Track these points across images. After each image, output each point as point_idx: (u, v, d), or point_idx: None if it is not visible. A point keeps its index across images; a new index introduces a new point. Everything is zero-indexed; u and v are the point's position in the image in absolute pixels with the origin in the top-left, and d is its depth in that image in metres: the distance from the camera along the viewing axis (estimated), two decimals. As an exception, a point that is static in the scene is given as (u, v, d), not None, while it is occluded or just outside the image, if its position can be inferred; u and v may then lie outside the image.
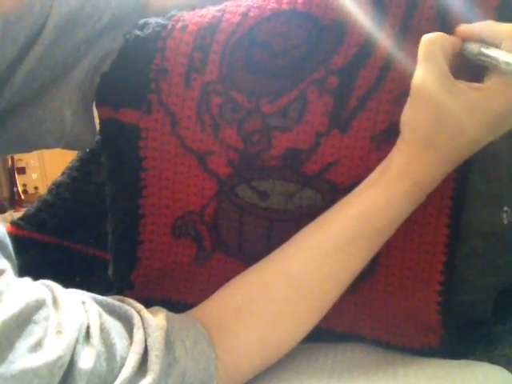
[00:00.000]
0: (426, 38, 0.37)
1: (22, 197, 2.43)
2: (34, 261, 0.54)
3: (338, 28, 0.41)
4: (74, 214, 0.56)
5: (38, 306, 0.29)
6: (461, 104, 0.36)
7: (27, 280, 0.32)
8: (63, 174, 0.56)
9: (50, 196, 0.56)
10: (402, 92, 0.40)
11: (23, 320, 0.28)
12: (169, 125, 0.44)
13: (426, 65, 0.37)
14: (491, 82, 0.36)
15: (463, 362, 0.43)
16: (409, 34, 0.40)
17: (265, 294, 0.40)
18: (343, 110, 0.42)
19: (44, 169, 2.42)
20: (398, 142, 0.40)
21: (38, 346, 0.28)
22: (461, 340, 0.44)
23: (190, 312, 0.41)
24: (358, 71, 0.41)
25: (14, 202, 2.40)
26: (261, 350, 0.40)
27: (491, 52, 0.36)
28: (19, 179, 2.46)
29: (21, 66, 0.40)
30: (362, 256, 0.40)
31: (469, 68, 0.39)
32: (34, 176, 2.49)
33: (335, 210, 0.41)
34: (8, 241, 0.32)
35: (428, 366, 0.43)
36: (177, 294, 0.49)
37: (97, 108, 0.45)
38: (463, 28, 0.39)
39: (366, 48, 0.41)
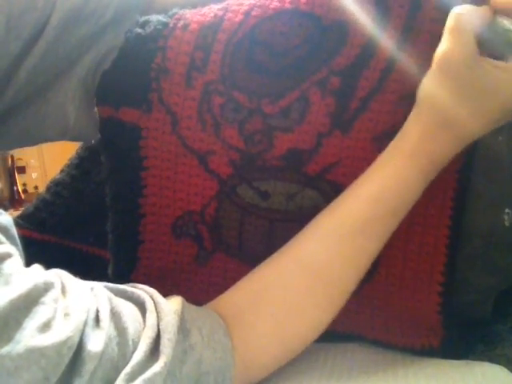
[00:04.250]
0: (456, 11, 0.36)
1: (22, 196, 2.43)
2: (33, 260, 0.54)
3: (341, 28, 0.41)
4: (74, 213, 0.55)
5: (47, 288, 0.29)
6: (484, 84, 0.36)
7: (36, 266, 0.31)
8: (62, 171, 0.56)
9: (48, 194, 0.56)
10: (405, 93, 0.40)
11: (31, 300, 0.28)
12: (169, 124, 0.44)
13: (453, 38, 0.36)
14: None
15: (463, 361, 0.43)
16: (412, 34, 0.40)
17: (280, 284, 0.39)
18: (345, 111, 0.42)
19: (44, 168, 2.42)
20: (413, 114, 0.39)
21: (46, 326, 0.27)
22: (461, 340, 0.44)
23: (205, 305, 0.40)
24: (361, 72, 0.41)
25: (13, 201, 2.39)
26: (279, 340, 0.39)
27: None
28: (19, 178, 2.45)
29: (24, 62, 0.40)
30: (378, 238, 0.39)
31: (497, 43, 0.37)
32: (33, 175, 2.48)
33: (348, 194, 0.40)
34: (15, 231, 0.32)
35: (428, 365, 0.43)
36: (177, 294, 0.49)
37: (97, 107, 0.45)
38: None
39: (369, 49, 0.41)
